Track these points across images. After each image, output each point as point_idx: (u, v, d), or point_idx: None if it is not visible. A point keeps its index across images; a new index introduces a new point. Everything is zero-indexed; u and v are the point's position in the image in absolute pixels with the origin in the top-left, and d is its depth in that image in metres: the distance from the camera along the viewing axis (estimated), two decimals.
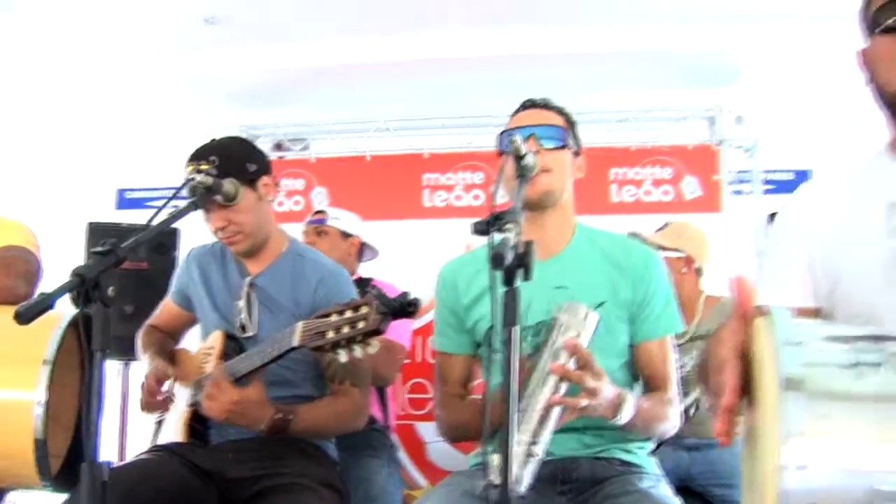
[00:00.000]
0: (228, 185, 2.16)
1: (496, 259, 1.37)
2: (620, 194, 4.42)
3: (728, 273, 2.06)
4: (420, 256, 3.20)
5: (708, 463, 2.91)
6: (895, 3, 1.44)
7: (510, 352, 1.38)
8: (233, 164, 2.23)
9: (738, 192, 4.41)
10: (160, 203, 1.92)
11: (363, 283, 3.38)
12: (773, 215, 3.37)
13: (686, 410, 2.72)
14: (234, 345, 2.25)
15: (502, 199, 1.87)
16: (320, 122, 4.67)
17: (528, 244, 1.42)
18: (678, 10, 3.95)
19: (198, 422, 2.23)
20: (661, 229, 3.34)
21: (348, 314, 1.77)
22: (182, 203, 2.02)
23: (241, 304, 2.29)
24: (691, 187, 4.35)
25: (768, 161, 4.45)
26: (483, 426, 1.60)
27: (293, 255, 2.37)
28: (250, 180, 2.26)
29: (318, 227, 3.56)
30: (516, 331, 1.39)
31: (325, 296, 2.24)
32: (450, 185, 4.54)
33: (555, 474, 1.92)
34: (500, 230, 1.47)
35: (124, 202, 5.21)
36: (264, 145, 4.60)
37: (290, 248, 2.39)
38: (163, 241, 3.96)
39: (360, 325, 1.75)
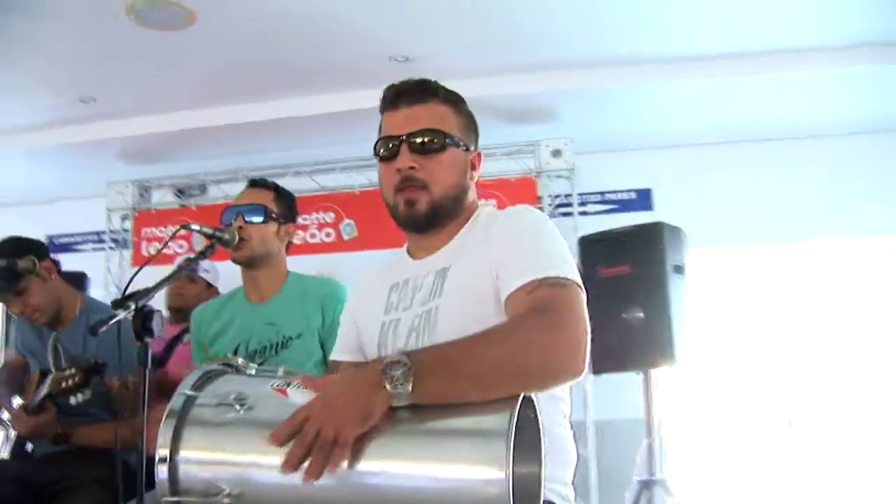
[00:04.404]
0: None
1: (94, 328, 1.93)
2: None
3: None
4: None
5: None
6: (383, 141, 1.81)
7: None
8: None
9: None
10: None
11: None
12: (582, 238, 3.94)
13: None
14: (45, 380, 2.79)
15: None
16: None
17: (150, 313, 1.96)
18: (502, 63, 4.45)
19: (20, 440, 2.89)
20: None
21: (70, 372, 2.51)
22: None
23: (50, 357, 2.90)
24: None
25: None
26: None
27: (86, 314, 2.94)
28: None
29: (192, 275, 4.09)
30: (141, 371, 1.93)
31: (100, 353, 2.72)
32: None
33: None
34: (123, 307, 1.94)
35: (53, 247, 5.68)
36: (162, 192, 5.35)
37: (83, 307, 2.95)
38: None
39: (72, 381, 2.49)
